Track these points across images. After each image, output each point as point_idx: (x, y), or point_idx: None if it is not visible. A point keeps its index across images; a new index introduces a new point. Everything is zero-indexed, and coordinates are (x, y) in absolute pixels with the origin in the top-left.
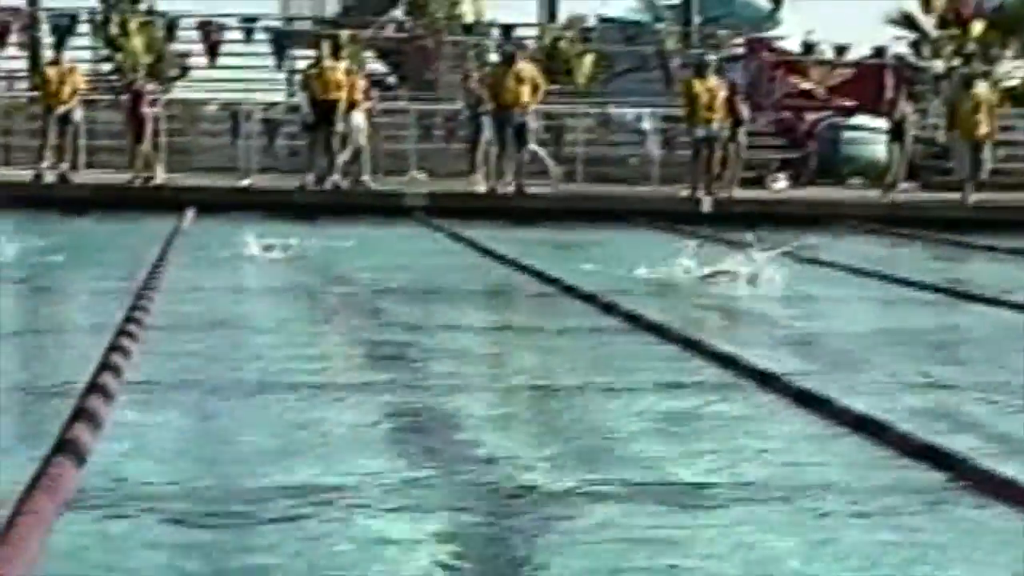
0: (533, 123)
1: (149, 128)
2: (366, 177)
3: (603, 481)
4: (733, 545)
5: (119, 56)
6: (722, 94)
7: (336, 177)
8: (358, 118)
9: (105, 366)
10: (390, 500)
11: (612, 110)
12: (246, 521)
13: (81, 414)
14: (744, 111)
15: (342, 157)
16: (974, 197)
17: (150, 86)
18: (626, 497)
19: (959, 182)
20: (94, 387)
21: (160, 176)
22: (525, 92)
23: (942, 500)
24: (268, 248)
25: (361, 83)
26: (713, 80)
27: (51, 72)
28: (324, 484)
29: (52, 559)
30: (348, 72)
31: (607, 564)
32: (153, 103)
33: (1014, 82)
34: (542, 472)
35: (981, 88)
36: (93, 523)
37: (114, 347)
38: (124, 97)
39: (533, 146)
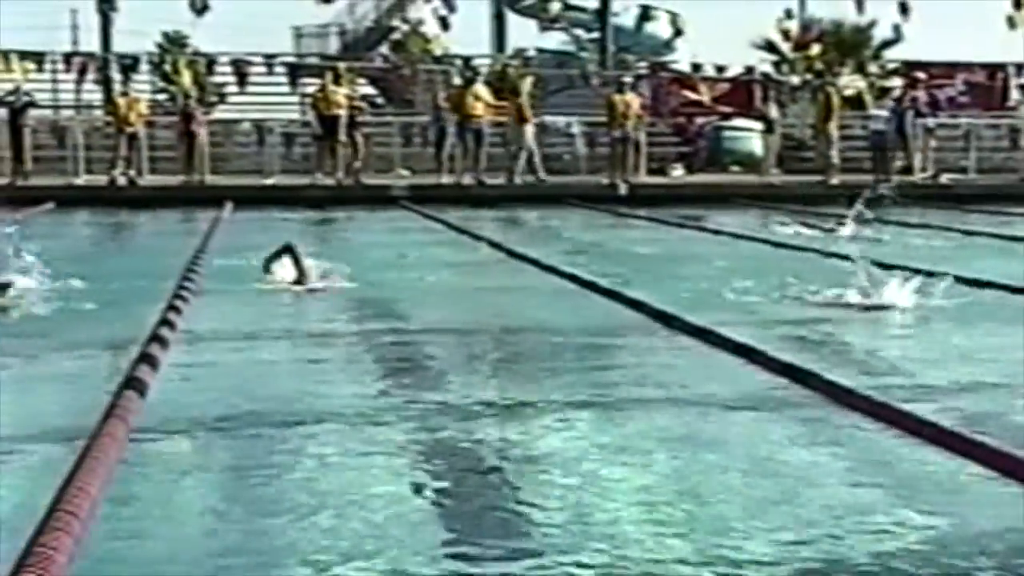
0: (487, 129)
1: (200, 142)
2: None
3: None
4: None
5: (172, 88)
6: (635, 106)
7: (340, 175)
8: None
9: (163, 322)
10: (394, 429)
11: (547, 119)
12: (274, 443)
13: (144, 358)
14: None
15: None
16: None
17: (199, 110)
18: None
19: (821, 167)
20: (154, 338)
21: (206, 178)
22: (480, 107)
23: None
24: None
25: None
26: (629, 95)
27: (121, 101)
28: (344, 414)
29: (124, 473)
30: (349, 98)
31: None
32: (200, 123)
33: (850, 92)
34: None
35: (834, 97)
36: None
37: (169, 307)
38: (177, 119)
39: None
